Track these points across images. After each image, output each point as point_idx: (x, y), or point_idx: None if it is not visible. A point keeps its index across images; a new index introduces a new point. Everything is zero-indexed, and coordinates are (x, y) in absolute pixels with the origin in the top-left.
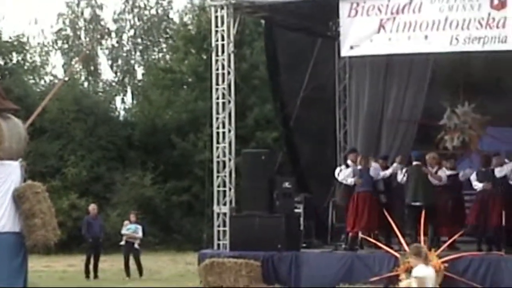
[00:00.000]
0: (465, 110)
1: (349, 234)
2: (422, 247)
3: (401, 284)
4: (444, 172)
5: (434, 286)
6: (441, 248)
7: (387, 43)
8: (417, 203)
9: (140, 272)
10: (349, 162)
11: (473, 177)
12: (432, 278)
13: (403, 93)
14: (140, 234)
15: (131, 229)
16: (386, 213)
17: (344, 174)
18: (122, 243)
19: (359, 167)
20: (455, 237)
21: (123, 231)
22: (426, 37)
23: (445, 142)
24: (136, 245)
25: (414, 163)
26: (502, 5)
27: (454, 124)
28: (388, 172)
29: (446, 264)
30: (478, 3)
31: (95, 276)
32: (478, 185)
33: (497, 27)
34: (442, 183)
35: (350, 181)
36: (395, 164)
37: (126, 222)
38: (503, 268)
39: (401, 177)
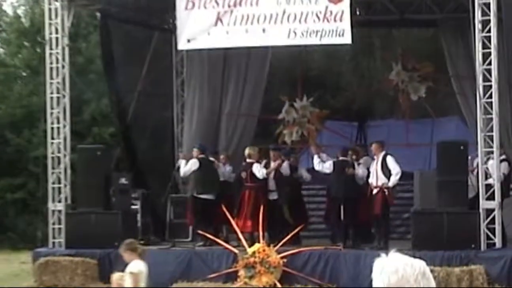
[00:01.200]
0: (304, 104)
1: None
2: (136, 242)
3: (113, 277)
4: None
5: (146, 281)
6: (280, 243)
7: (224, 36)
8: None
9: None
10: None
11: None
12: (145, 274)
13: (242, 87)
14: None
15: None
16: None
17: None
18: None
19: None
20: (295, 231)
21: None
22: (263, 30)
23: (284, 136)
24: None
25: (201, 156)
26: None
27: (292, 118)
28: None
29: (284, 260)
30: None
31: None
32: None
33: (335, 20)
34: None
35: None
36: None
37: None
38: (341, 263)
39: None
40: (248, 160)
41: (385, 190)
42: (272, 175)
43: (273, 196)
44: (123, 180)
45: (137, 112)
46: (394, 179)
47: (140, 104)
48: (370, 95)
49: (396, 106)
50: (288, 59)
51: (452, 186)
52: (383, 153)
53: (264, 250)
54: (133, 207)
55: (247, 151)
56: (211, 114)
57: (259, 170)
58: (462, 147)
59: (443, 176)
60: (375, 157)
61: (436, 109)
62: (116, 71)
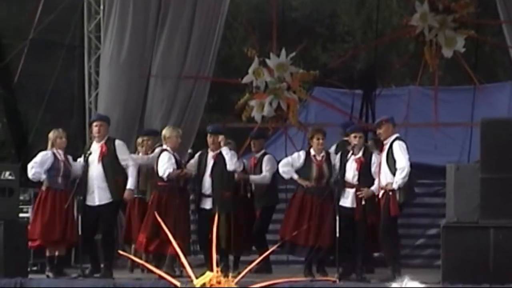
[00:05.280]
0: (281, 62)
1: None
2: None
3: None
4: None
5: None
6: (242, 274)
7: None
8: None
9: None
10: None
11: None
12: None
13: (186, 35)
14: None
15: None
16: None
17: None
18: None
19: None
20: (265, 254)
21: None
22: None
23: (251, 110)
24: None
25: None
26: None
27: (264, 83)
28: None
29: None
30: None
31: None
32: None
33: None
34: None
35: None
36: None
37: None
38: None
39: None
40: (163, 147)
41: (390, 193)
42: (208, 171)
43: (207, 203)
44: (6, 175)
45: (28, 71)
46: (398, 177)
47: (32, 59)
48: (381, 49)
49: (419, 66)
50: None
51: (503, 187)
52: (393, 137)
53: (219, 283)
54: (22, 215)
55: (163, 132)
56: (138, 77)
57: (163, 164)
58: None
59: (489, 171)
60: (385, 142)
61: (480, 71)
62: None
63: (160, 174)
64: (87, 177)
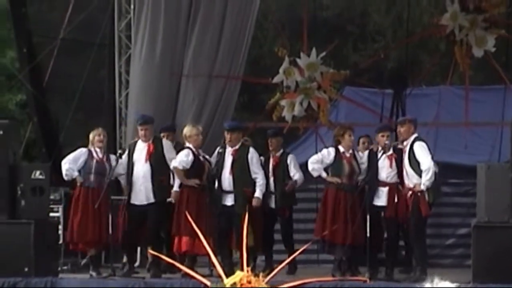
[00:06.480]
0: (312, 61)
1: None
2: None
3: None
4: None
5: None
6: (273, 273)
7: None
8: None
9: None
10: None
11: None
12: None
13: (217, 34)
14: None
15: None
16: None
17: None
18: None
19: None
20: (294, 256)
21: None
22: None
23: (282, 109)
24: None
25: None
26: None
27: (294, 83)
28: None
29: None
30: None
31: None
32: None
33: None
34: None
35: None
36: None
37: None
38: None
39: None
40: (186, 145)
41: (419, 194)
42: (228, 168)
43: (228, 199)
44: (37, 174)
45: (59, 70)
46: (424, 179)
47: (63, 59)
48: (411, 48)
49: (450, 65)
50: None
51: None
52: (413, 137)
53: (249, 282)
54: (52, 214)
55: (184, 132)
56: (170, 76)
57: (178, 157)
58: None
59: None
60: (405, 143)
61: (511, 71)
62: (27, 8)
63: (172, 164)
64: (132, 176)
